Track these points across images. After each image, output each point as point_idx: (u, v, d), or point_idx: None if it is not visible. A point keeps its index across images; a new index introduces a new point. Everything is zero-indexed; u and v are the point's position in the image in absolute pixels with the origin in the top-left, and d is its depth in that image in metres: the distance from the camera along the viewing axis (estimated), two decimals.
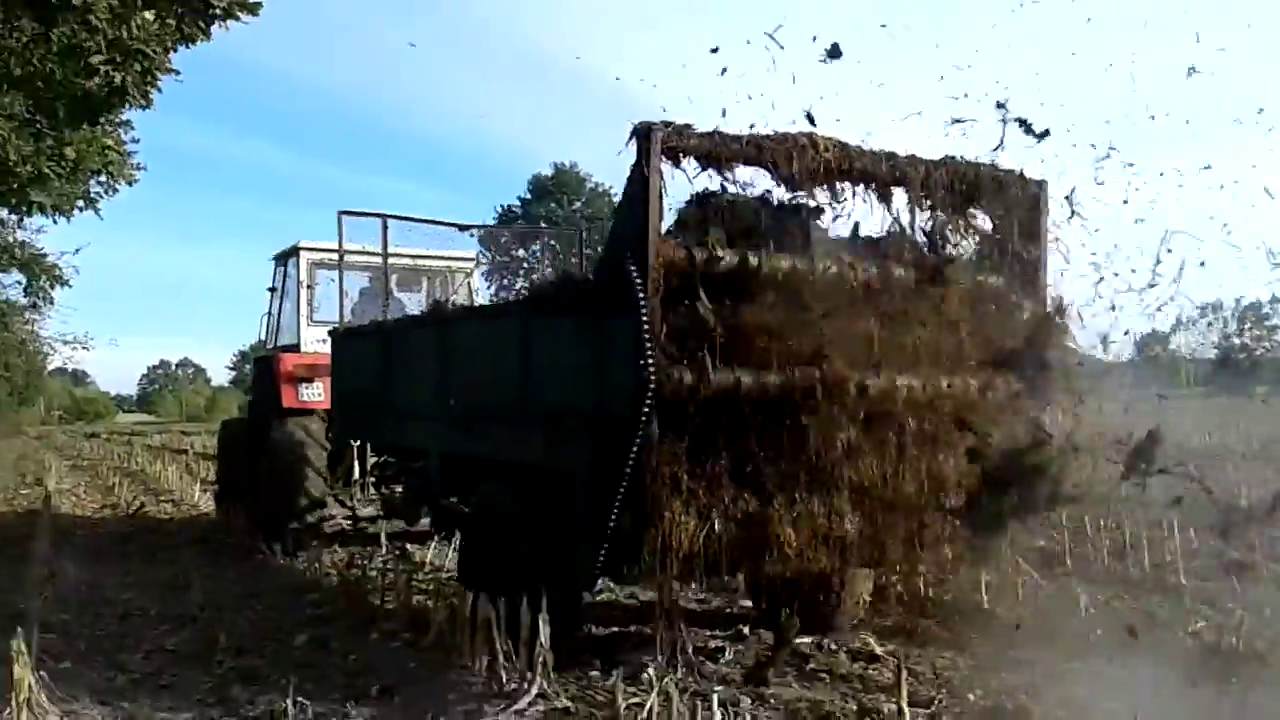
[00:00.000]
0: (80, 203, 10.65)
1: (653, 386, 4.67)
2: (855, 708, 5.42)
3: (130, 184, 9.91)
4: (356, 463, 9.96)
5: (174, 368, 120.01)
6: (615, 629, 6.91)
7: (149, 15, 7.99)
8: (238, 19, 8.49)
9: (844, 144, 5.42)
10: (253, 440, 11.30)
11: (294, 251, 11.15)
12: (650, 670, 4.89)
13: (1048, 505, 5.85)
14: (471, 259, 11.73)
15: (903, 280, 5.52)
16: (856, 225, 5.71)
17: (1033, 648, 5.89)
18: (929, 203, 5.77)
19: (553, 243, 47.40)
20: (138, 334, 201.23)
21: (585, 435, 5.29)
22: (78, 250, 30.29)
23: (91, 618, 7.83)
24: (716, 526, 4.86)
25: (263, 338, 12.40)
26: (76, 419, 78.70)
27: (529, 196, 70.30)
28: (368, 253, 10.44)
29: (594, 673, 6.41)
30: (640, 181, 4.93)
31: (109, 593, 8.71)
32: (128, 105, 9.35)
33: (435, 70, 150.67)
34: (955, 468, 5.52)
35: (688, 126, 5.05)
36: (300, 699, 5.45)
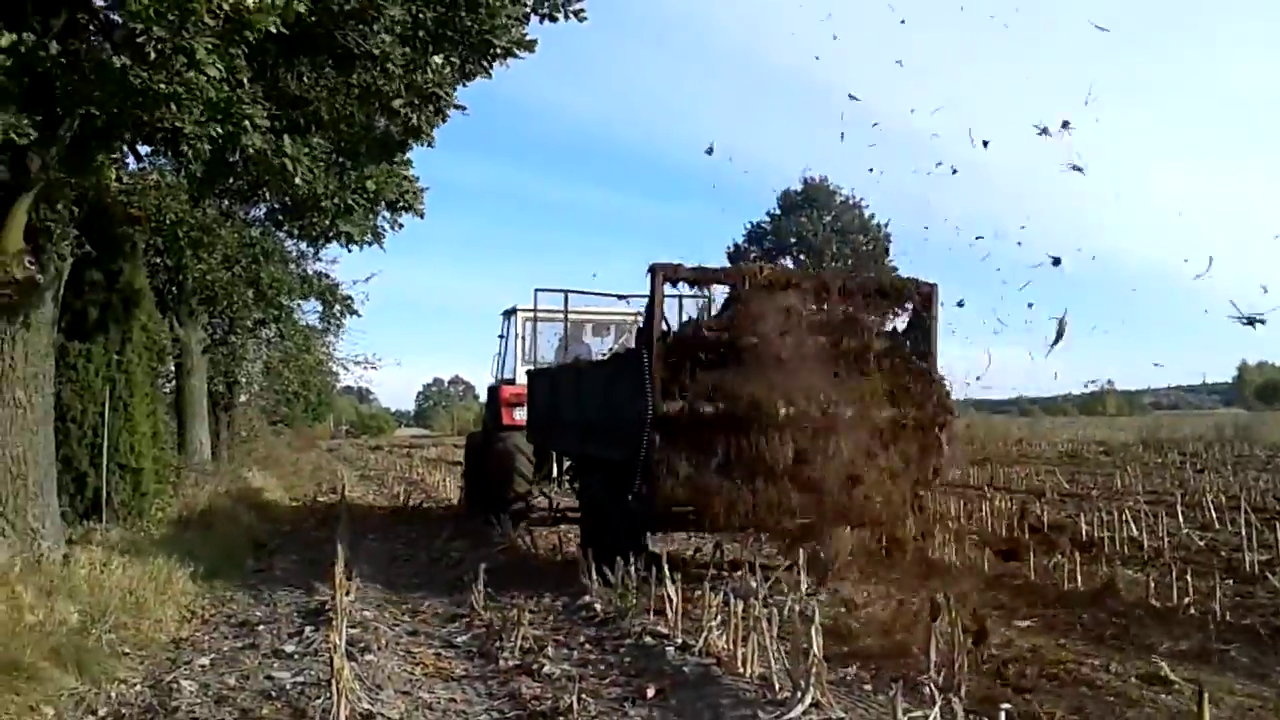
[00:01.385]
0: (369, 236, 11.54)
1: (650, 413, 8.43)
2: None
3: (420, 216, 10.66)
4: (555, 464, 13.71)
5: (446, 385, 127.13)
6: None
7: (438, 60, 8.66)
8: (517, 56, 9.05)
9: (778, 267, 10.02)
10: (483, 448, 15.26)
11: (512, 311, 15.20)
12: (929, 685, 4.80)
13: (934, 477, 9.48)
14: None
15: (843, 331, 9.14)
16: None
17: None
18: (866, 294, 9.40)
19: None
20: (415, 353, 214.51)
21: (611, 437, 9.49)
22: (369, 278, 32.88)
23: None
24: (685, 494, 8.48)
25: (493, 372, 16.22)
26: (361, 433, 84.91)
27: (778, 212, 70.27)
28: (562, 311, 13.69)
29: (866, 686, 6.43)
30: (650, 302, 8.86)
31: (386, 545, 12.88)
32: (418, 144, 10.12)
33: (683, 92, 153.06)
34: (858, 461, 8.57)
35: (680, 265, 8.87)
36: (584, 696, 5.77)
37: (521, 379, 14.34)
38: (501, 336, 15.78)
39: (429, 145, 10.04)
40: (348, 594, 8.23)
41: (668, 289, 8.98)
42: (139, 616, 7.82)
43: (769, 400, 8.41)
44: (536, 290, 14.12)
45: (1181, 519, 12.24)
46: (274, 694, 6.03)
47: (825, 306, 9.29)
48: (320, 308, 24.18)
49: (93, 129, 8.09)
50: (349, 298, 23.15)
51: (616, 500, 9.14)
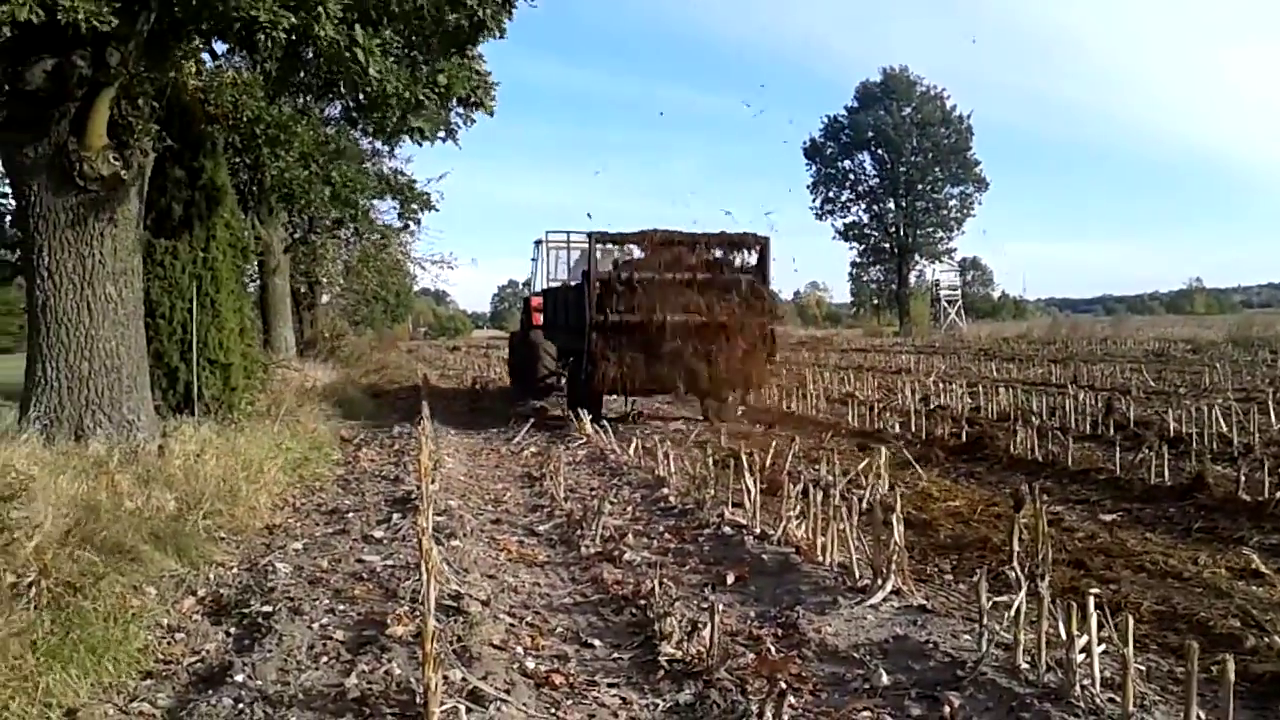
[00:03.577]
0: (442, 132, 11.44)
1: (591, 317, 14.04)
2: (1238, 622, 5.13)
3: (490, 113, 10.52)
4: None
5: (520, 286, 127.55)
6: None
7: None
8: None
9: (669, 231, 14.74)
10: (519, 344, 20.75)
11: (540, 240, 19.47)
12: (1013, 571, 4.76)
13: (770, 357, 15.06)
14: None
15: (701, 273, 14.61)
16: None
17: None
18: (719, 248, 14.92)
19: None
20: (490, 256, 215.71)
21: (580, 336, 14.48)
22: (442, 176, 32.84)
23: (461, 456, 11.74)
24: (616, 371, 13.99)
25: (527, 287, 22.65)
26: (439, 335, 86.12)
27: (855, 105, 68.49)
28: (574, 243, 18.47)
29: (947, 576, 6.42)
30: (588, 255, 14.88)
31: (467, 439, 14.48)
32: (486, 37, 9.96)
33: None
34: (724, 350, 14.23)
35: (605, 232, 15.12)
36: (665, 581, 5.84)
37: None
38: (533, 260, 20.28)
39: (500, 36, 9.88)
40: (432, 483, 8.41)
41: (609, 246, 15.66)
42: (232, 504, 8.08)
43: (661, 313, 14.21)
44: (546, 232, 18.96)
45: (1273, 415, 11.88)
46: (365, 575, 6.21)
47: (700, 251, 14.84)
48: (397, 205, 24.33)
49: (170, 21, 8.09)
50: (425, 194, 23.24)
51: (580, 376, 14.78)
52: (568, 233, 18.52)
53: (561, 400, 17.12)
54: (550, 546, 7.54)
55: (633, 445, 11.44)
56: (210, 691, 4.33)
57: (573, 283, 16.91)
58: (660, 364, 14.10)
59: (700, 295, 14.34)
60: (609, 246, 15.58)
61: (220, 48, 11.90)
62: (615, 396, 15.60)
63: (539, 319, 18.65)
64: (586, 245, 15.58)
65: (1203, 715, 3.46)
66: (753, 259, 14.99)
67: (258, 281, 21.88)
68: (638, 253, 15.40)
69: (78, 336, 9.06)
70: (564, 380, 17.32)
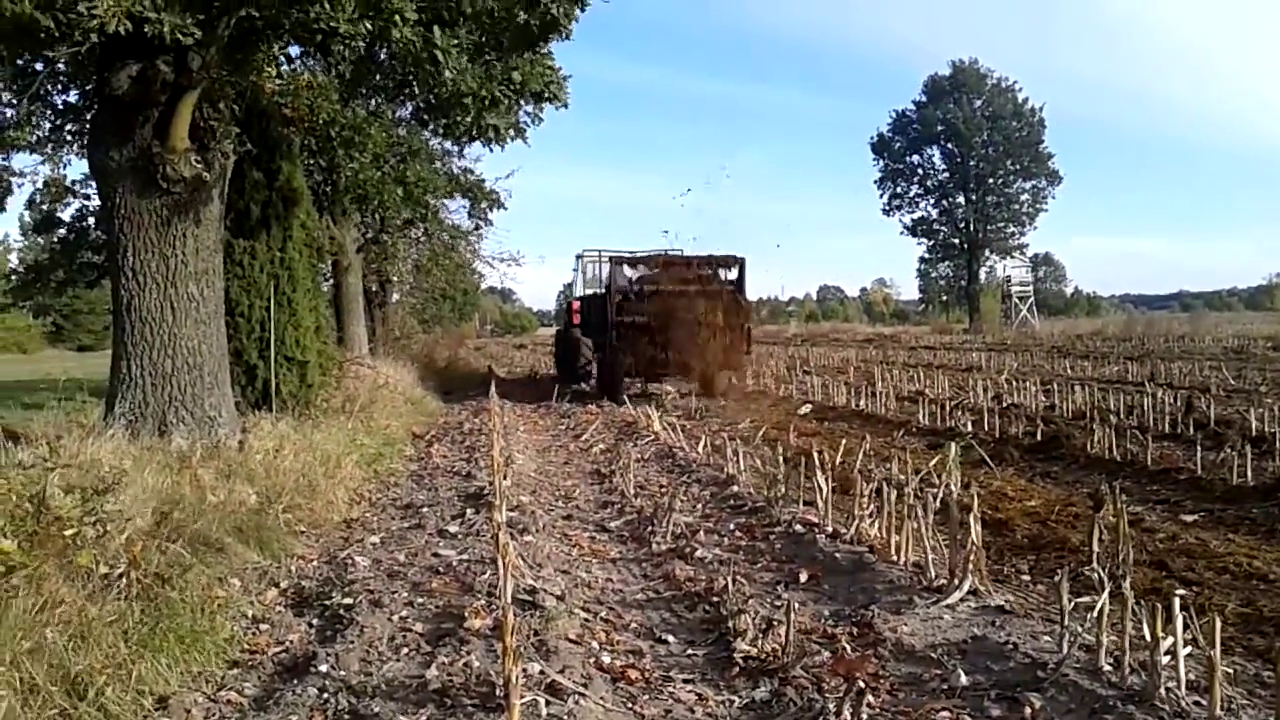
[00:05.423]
0: (511, 131, 11.51)
1: (612, 320, 18.41)
2: None
3: (564, 106, 10.56)
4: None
5: (566, 289, 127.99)
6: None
7: None
8: None
9: (670, 253, 20.64)
10: (563, 338, 23.79)
11: (580, 254, 23.26)
12: (1094, 572, 4.69)
13: (747, 350, 19.56)
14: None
15: (693, 285, 18.72)
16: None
17: None
18: (706, 266, 19.19)
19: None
20: (555, 253, 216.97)
21: (602, 331, 19.06)
22: (509, 174, 33.01)
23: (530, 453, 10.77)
24: (630, 360, 18.53)
25: (569, 292, 25.62)
26: (505, 332, 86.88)
27: (924, 100, 67.63)
28: (607, 259, 20.96)
29: (1024, 576, 6.33)
30: (608, 273, 19.70)
31: (536, 437, 13.92)
32: (555, 37, 10.00)
33: None
34: (712, 344, 18.09)
35: (624, 255, 20.18)
36: (738, 578, 5.85)
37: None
38: (574, 270, 23.97)
39: (567, 38, 9.92)
40: (504, 479, 8.51)
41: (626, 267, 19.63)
42: (311, 499, 8.25)
43: (666, 316, 18.11)
44: (584, 249, 23.20)
45: None
46: (441, 569, 6.31)
47: (694, 269, 19.17)
48: (467, 205, 24.57)
49: (250, 28, 8.27)
50: (494, 192, 23.44)
51: (607, 364, 19.18)
52: (599, 251, 22.51)
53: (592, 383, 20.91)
54: (621, 543, 7.58)
55: (701, 443, 11.45)
56: (295, 681, 4.43)
57: (601, 291, 20.45)
58: (665, 354, 18.20)
59: (694, 302, 18.22)
60: (624, 268, 19.67)
61: (295, 51, 12.17)
62: (633, 380, 19.56)
63: (578, 319, 21.57)
64: (624, 256, 20.18)
65: None
66: (733, 274, 19.11)
67: (331, 280, 22.25)
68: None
69: (161, 335, 9.29)
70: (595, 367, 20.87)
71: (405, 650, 4.79)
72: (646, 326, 18.19)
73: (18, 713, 3.68)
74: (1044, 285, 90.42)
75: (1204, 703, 3.63)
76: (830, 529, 7.02)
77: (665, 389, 19.21)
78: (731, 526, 7.75)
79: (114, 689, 4.14)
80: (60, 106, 13.12)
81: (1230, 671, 4.34)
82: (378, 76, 10.69)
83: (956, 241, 67.66)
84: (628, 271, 19.56)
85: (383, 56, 10.17)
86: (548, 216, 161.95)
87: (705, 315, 18.05)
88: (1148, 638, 3.94)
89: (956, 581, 5.42)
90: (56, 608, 4.49)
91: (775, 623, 4.87)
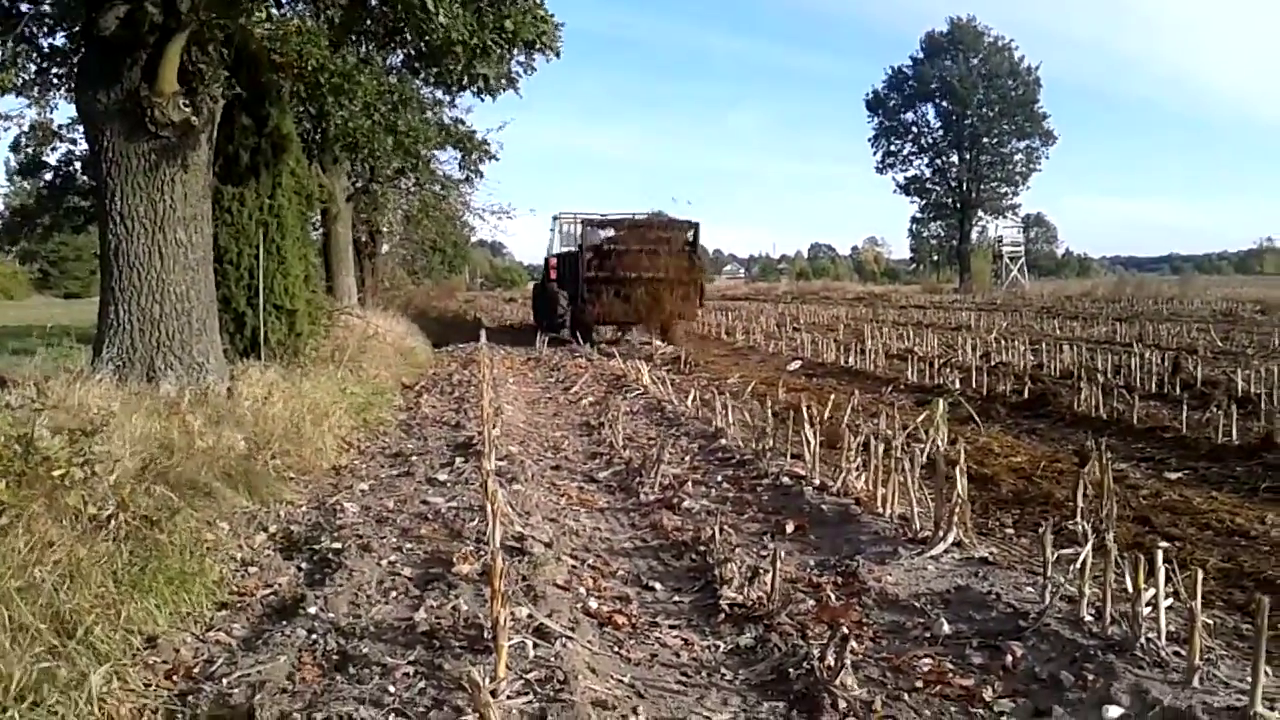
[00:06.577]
0: (504, 81, 11.38)
1: (583, 275, 21.42)
2: None
3: (557, 56, 10.44)
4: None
5: (545, 249, 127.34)
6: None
7: None
8: None
9: (636, 216, 22.87)
10: (540, 291, 25.96)
11: (557, 216, 24.91)
12: (1078, 525, 4.73)
13: (699, 302, 23.13)
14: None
15: (654, 245, 21.66)
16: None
17: None
18: (666, 229, 22.38)
19: None
20: (545, 207, 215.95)
21: (575, 284, 21.92)
22: (501, 126, 32.78)
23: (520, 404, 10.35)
24: (599, 310, 21.54)
25: (547, 249, 26.07)
26: (495, 286, 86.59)
27: (921, 56, 67.14)
28: (583, 220, 22.91)
29: (1008, 530, 6.39)
30: (580, 233, 22.51)
31: (525, 389, 13.63)
32: None
33: None
34: (669, 297, 21.31)
35: (592, 216, 22.84)
36: (725, 529, 5.89)
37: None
38: (551, 230, 25.70)
39: None
40: (494, 429, 8.53)
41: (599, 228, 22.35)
42: (299, 446, 8.26)
43: (629, 270, 20.99)
44: (559, 212, 24.99)
45: None
46: (430, 516, 6.34)
47: (655, 231, 21.83)
48: (458, 156, 24.40)
49: None
50: (485, 143, 23.26)
51: (578, 313, 21.68)
52: (575, 214, 24.00)
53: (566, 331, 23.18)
54: (610, 493, 7.62)
55: (690, 396, 11.47)
56: (284, 622, 4.46)
57: (574, 250, 22.80)
58: (628, 305, 21.27)
59: (655, 260, 21.22)
60: (595, 230, 22.31)
61: None
62: (603, 328, 22.58)
63: (554, 275, 23.79)
64: (597, 218, 22.95)
65: (1270, 671, 3.43)
66: (690, 235, 22.14)
67: (321, 229, 22.11)
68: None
69: (149, 280, 9.23)
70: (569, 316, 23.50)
71: (394, 594, 4.82)
72: (613, 280, 21.22)
73: (6, 649, 3.69)
74: (1035, 246, 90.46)
75: (1183, 653, 3.67)
76: (817, 481, 7.06)
77: (629, 336, 22.53)
78: (719, 478, 7.79)
79: (103, 628, 4.15)
80: (47, 50, 12.93)
81: (1210, 624, 4.40)
82: (368, 22, 10.57)
83: (949, 201, 67.50)
84: (600, 233, 22.21)
85: (374, 2, 10.06)
86: (539, 167, 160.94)
87: (664, 272, 21.13)
88: (1129, 590, 3.98)
89: (941, 534, 5.45)
90: (46, 548, 4.50)
91: (761, 571, 4.92)
